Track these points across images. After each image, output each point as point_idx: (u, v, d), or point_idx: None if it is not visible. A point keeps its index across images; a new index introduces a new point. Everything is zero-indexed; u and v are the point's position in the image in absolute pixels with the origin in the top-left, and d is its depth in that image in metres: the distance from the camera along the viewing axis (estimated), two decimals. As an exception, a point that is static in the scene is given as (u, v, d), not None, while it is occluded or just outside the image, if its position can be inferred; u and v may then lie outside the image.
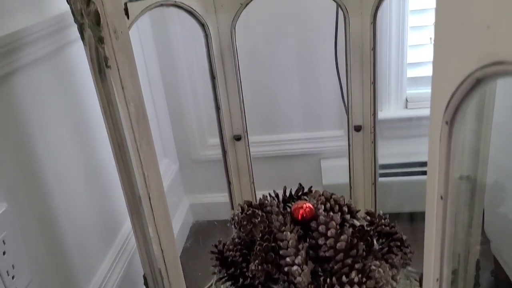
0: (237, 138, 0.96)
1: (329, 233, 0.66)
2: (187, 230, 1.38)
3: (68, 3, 0.57)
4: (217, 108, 0.92)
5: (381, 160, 1.19)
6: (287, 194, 0.80)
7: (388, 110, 1.27)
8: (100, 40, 0.43)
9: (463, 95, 0.33)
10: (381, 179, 1.12)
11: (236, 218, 0.74)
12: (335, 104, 1.24)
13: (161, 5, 0.64)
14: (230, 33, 0.86)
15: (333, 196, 0.75)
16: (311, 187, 0.80)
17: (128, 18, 0.42)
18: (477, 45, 0.30)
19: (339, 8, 0.87)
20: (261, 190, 1.24)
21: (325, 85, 1.21)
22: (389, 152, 1.24)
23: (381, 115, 1.24)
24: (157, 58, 1.23)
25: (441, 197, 0.40)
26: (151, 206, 0.47)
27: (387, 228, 0.73)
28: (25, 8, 0.68)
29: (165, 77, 1.26)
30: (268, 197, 0.79)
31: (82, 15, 0.48)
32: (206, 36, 0.86)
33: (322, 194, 0.75)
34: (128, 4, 0.42)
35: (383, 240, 0.72)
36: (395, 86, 1.24)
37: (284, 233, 0.66)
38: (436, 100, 0.37)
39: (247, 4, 0.84)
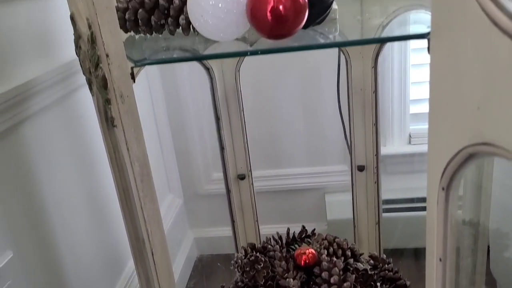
0: (241, 177, 0.97)
1: (332, 280, 0.66)
2: (192, 264, 1.38)
3: (77, 56, 0.59)
4: (222, 148, 0.93)
5: (385, 195, 1.19)
6: (291, 236, 0.80)
7: (392, 146, 1.27)
8: (107, 101, 0.45)
9: (458, 165, 0.34)
10: (385, 215, 1.12)
11: (239, 261, 0.74)
12: (340, 139, 1.24)
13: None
14: (234, 76, 0.88)
15: (336, 240, 0.75)
16: (314, 230, 0.81)
17: (134, 81, 0.44)
18: (468, 123, 0.31)
19: (341, 52, 0.89)
20: (265, 224, 1.24)
21: (329, 122, 1.22)
22: (393, 187, 1.25)
23: (384, 150, 1.25)
24: (163, 96, 1.25)
25: (440, 259, 0.40)
26: (154, 261, 0.47)
27: (391, 273, 0.72)
28: (37, 55, 0.71)
29: (171, 114, 1.28)
30: (272, 240, 0.79)
31: (91, 73, 0.50)
32: (211, 79, 0.88)
33: (325, 238, 0.75)
34: (135, 68, 0.44)
35: (387, 286, 0.72)
36: (398, 122, 1.25)
37: (287, 279, 0.67)
38: (432, 167, 0.38)
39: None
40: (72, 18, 0.59)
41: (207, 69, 0.87)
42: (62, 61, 0.75)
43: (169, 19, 0.53)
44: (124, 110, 0.43)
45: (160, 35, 0.56)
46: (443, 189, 0.37)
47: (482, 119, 0.29)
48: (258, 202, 1.00)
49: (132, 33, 0.58)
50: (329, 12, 0.48)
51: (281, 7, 0.42)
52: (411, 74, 1.20)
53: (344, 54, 0.87)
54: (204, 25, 0.46)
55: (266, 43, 0.47)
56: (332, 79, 1.04)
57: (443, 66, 0.33)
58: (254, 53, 0.49)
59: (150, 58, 0.45)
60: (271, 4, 0.42)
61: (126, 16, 0.55)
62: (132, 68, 0.44)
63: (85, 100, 0.81)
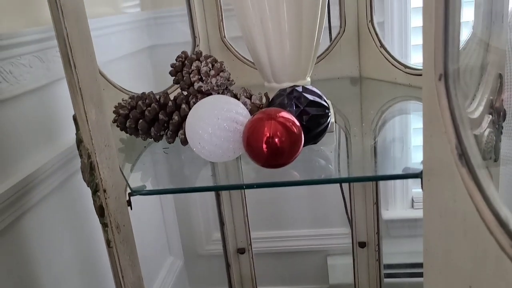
0: (241, 251, 0.96)
1: None
2: (191, 326, 1.35)
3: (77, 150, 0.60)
4: (221, 223, 0.93)
5: (387, 260, 1.17)
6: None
7: (394, 210, 1.26)
8: (104, 225, 0.45)
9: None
10: (387, 280, 1.10)
11: None
12: (342, 203, 1.24)
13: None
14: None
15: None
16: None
17: (131, 208, 0.44)
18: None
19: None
20: (266, 286, 1.22)
21: (331, 189, 1.22)
22: (396, 251, 1.23)
23: (387, 214, 1.24)
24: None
25: None
26: None
27: None
28: (38, 146, 0.72)
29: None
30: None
31: (90, 185, 0.50)
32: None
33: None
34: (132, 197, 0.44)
35: None
36: (401, 186, 1.24)
37: None
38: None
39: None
40: (75, 119, 0.60)
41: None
42: (62, 147, 0.76)
43: (168, 132, 0.53)
44: (119, 239, 0.43)
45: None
46: None
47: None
48: (258, 264, 0.99)
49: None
50: (326, 132, 0.49)
51: (276, 139, 0.43)
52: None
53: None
54: (201, 150, 0.46)
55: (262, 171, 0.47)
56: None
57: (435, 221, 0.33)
58: (249, 186, 0.49)
59: (148, 188, 0.45)
60: (267, 136, 0.43)
61: (127, 124, 0.56)
62: (129, 195, 0.44)
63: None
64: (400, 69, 0.76)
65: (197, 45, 0.84)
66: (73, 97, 0.41)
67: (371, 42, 0.80)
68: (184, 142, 0.53)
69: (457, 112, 0.31)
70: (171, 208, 1.30)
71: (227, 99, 0.47)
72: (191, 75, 0.52)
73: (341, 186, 0.96)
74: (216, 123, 0.44)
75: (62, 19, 0.36)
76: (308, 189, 1.25)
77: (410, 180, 1.24)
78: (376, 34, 0.79)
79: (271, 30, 0.52)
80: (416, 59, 1.19)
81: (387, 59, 0.78)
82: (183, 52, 0.56)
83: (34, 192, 0.68)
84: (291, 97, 0.47)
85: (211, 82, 0.51)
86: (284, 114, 0.44)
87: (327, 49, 0.84)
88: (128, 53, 1.10)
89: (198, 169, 0.54)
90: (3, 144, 0.64)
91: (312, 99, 0.47)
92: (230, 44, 0.86)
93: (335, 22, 0.86)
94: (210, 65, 0.52)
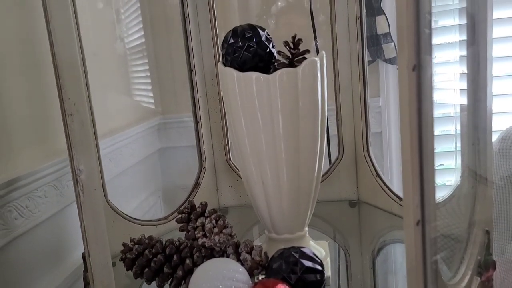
0: None
1: None
2: None
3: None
4: None
5: None
6: None
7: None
8: None
9: None
10: None
11: None
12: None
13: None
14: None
15: None
16: None
17: None
18: None
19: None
20: None
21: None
22: None
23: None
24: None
25: None
26: None
27: None
28: (46, 270, 0.74)
29: None
30: None
31: None
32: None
33: None
34: None
35: None
36: None
37: None
38: None
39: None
40: (83, 257, 0.63)
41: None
42: (69, 270, 0.78)
43: (172, 284, 0.56)
44: None
45: None
46: None
47: None
48: None
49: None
50: (322, 294, 0.51)
51: (274, 313, 0.45)
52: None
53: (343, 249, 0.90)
54: (202, 315, 0.48)
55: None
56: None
57: None
58: None
59: None
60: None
61: (133, 270, 0.59)
62: None
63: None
64: (395, 201, 0.80)
65: (204, 167, 0.89)
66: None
67: (367, 171, 0.84)
68: (187, 295, 0.55)
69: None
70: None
71: (228, 265, 0.50)
72: (196, 231, 0.56)
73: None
74: (217, 293, 0.47)
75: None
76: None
77: None
78: (372, 163, 0.84)
79: (271, 189, 0.57)
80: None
81: (383, 189, 0.82)
82: (189, 202, 0.61)
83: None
84: (289, 263, 0.50)
85: (214, 239, 0.55)
86: (281, 286, 0.47)
87: (326, 173, 0.89)
88: (139, 160, 1.15)
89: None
90: (13, 276, 0.67)
91: (308, 265, 0.50)
92: (235, 166, 0.90)
93: (334, 150, 0.91)
94: (214, 222, 0.56)
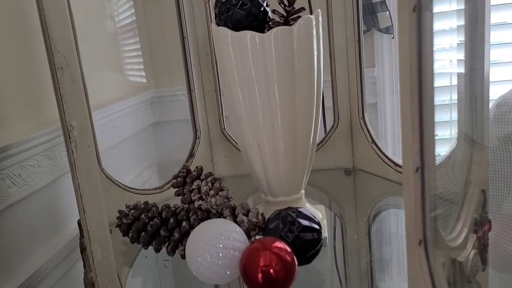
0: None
1: None
2: None
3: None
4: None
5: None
6: None
7: None
8: None
9: None
10: None
11: None
12: None
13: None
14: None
15: None
16: None
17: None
18: None
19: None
20: None
21: None
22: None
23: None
24: None
25: None
26: None
27: None
28: (42, 240, 0.74)
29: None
30: None
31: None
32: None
33: None
34: None
35: None
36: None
37: None
38: None
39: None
40: (79, 224, 0.62)
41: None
42: (65, 239, 0.78)
43: (169, 246, 0.56)
44: None
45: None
46: None
47: None
48: None
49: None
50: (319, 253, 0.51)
51: (271, 270, 0.45)
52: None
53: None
54: (200, 275, 0.48)
55: None
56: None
57: None
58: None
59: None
60: (262, 266, 0.45)
61: (130, 235, 0.59)
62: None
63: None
64: (391, 166, 0.80)
65: (198, 137, 0.88)
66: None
67: (363, 138, 0.84)
68: (184, 257, 0.55)
69: (436, 277, 0.34)
70: None
71: (225, 225, 0.50)
72: (192, 194, 0.55)
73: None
74: (215, 251, 0.47)
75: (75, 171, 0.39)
76: None
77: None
78: (368, 131, 0.84)
79: (268, 152, 0.56)
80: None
81: (378, 156, 0.81)
82: (185, 166, 0.60)
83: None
84: (286, 222, 0.50)
85: (210, 201, 0.54)
86: (279, 244, 0.46)
87: (321, 141, 0.88)
88: (133, 134, 1.14)
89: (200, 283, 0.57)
90: (8, 245, 0.66)
91: (305, 224, 0.50)
92: (230, 136, 0.90)
93: (329, 117, 0.90)
94: (210, 184, 0.55)
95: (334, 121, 0.87)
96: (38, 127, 0.75)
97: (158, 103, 1.28)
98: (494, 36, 1.23)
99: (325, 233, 0.57)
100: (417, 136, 0.33)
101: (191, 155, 0.89)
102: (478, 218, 0.55)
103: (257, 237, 0.53)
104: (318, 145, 0.88)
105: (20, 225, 0.69)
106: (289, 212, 0.51)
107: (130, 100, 1.14)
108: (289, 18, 0.54)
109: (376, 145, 0.82)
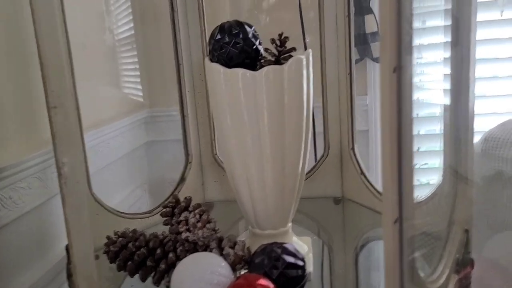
0: None
1: None
2: None
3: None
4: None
5: None
6: None
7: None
8: None
9: None
10: None
11: None
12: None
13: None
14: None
15: None
16: None
17: None
18: None
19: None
20: None
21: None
22: None
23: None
24: None
25: None
26: None
27: None
28: (31, 262, 0.74)
29: None
30: None
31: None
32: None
33: None
34: None
35: None
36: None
37: None
38: None
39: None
40: (67, 249, 0.63)
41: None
42: (53, 260, 0.78)
43: (155, 277, 0.56)
44: None
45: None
46: None
47: None
48: None
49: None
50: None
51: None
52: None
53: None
54: (184, 308, 0.49)
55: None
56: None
57: None
58: None
59: None
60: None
61: (116, 262, 0.59)
62: None
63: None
64: (378, 198, 0.81)
65: (190, 162, 0.89)
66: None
67: (352, 168, 0.85)
68: (169, 288, 0.56)
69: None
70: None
71: (211, 259, 0.51)
72: (179, 225, 0.56)
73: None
74: (200, 287, 0.48)
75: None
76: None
77: None
78: (357, 161, 0.85)
79: (256, 186, 0.57)
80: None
81: (367, 187, 0.83)
82: (174, 196, 0.61)
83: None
84: (271, 258, 0.51)
85: (197, 233, 0.55)
86: (262, 281, 0.47)
87: (312, 169, 0.89)
88: (126, 153, 1.15)
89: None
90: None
91: (289, 261, 0.51)
92: (221, 161, 0.91)
93: (320, 143, 0.91)
94: (197, 216, 0.56)
95: (325, 150, 0.89)
96: (31, 149, 0.75)
97: (152, 122, 1.29)
98: (481, 70, 1.26)
99: (310, 268, 0.58)
100: (396, 189, 0.34)
101: (182, 179, 0.90)
102: (460, 258, 0.56)
103: (242, 271, 0.54)
104: (308, 173, 0.89)
105: (8, 247, 0.69)
106: (274, 248, 0.52)
107: (125, 120, 1.15)
108: (280, 57, 0.56)
109: (365, 176, 0.84)
